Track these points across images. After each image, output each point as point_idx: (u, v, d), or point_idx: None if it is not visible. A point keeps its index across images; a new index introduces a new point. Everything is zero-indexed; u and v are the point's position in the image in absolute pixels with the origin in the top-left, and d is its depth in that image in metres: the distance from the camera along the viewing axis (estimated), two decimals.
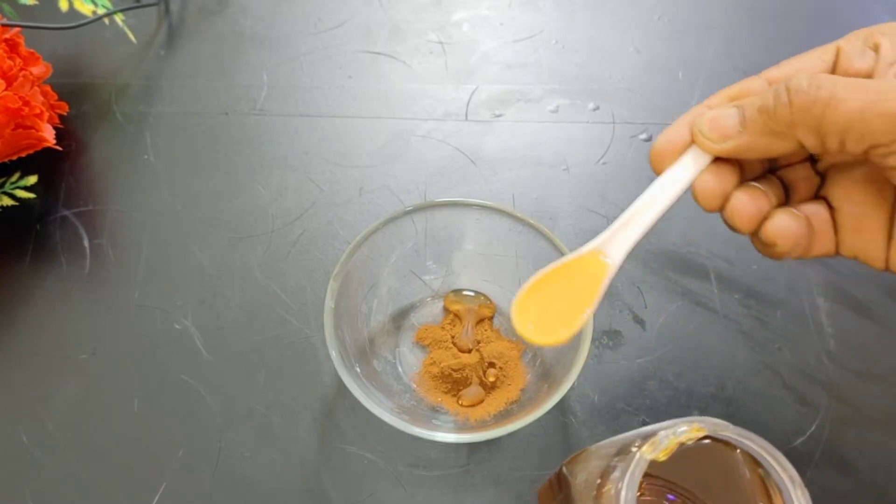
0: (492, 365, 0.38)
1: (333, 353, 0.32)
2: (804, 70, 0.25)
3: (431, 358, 0.38)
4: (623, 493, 0.22)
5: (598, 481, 0.25)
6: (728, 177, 0.25)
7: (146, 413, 0.38)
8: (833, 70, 0.25)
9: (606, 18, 0.55)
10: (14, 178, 0.46)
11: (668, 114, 0.50)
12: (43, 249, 0.44)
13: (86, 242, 0.44)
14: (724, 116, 0.24)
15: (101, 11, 0.53)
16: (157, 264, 0.43)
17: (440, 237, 0.38)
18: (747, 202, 0.24)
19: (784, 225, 0.24)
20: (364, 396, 0.31)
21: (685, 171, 0.25)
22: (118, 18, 0.54)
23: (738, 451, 0.24)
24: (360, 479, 0.36)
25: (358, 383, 0.32)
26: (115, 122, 0.49)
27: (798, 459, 0.36)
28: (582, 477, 0.27)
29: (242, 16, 0.55)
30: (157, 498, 0.36)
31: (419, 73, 0.52)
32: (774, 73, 0.26)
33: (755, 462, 0.24)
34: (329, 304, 0.33)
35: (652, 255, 0.44)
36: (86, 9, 0.54)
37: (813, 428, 0.38)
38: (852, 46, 0.25)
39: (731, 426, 0.24)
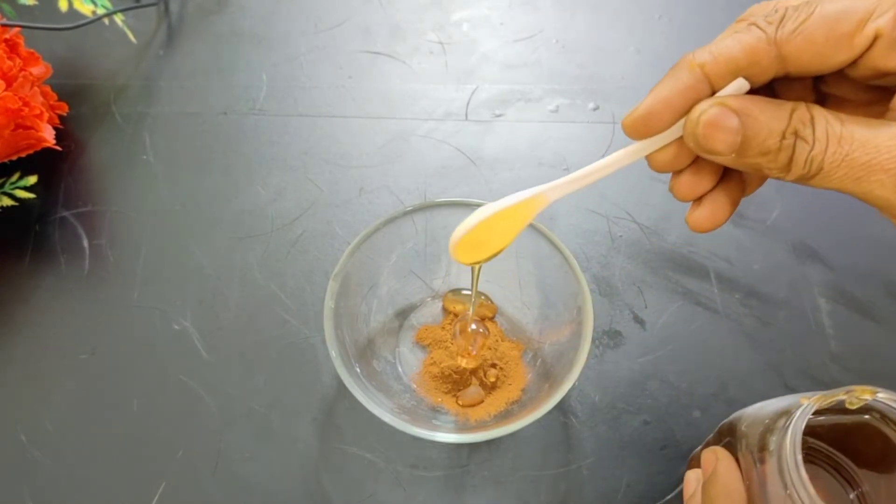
0: (492, 365, 0.38)
1: (333, 353, 0.32)
2: (823, 55, 0.22)
3: (431, 358, 0.38)
4: (789, 435, 0.24)
5: (766, 421, 0.26)
6: (686, 157, 0.25)
7: (146, 413, 0.38)
8: (858, 58, 0.22)
9: (606, 18, 0.55)
10: (14, 179, 0.46)
11: None
12: (42, 250, 0.43)
13: (85, 243, 0.44)
14: (723, 129, 0.23)
15: (100, 11, 0.53)
16: (157, 264, 0.43)
17: (440, 237, 0.38)
18: (690, 184, 0.26)
19: (699, 217, 0.26)
20: (364, 396, 0.31)
21: (652, 144, 0.24)
22: (118, 19, 0.54)
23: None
24: (360, 480, 0.36)
25: (358, 383, 0.32)
26: (114, 122, 0.49)
27: None
28: (748, 422, 0.28)
29: (241, 15, 0.55)
30: (156, 498, 0.36)
31: (419, 73, 0.52)
32: (788, 31, 0.22)
33: None
34: (329, 304, 0.33)
35: (652, 254, 0.44)
36: (85, 9, 0.54)
37: None
38: (894, 34, 0.21)
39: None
